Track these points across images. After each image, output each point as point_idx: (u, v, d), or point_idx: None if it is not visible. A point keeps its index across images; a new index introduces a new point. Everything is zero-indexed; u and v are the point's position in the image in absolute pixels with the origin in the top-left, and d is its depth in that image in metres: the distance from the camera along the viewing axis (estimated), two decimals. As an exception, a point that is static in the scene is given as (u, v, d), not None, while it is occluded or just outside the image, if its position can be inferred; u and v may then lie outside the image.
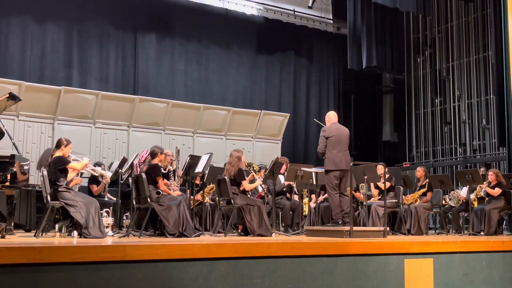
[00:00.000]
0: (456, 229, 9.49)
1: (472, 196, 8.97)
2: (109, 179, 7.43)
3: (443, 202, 9.54)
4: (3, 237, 5.65)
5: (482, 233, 8.36)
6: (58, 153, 6.39)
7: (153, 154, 7.03)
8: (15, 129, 10.37)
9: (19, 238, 5.93)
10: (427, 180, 8.89)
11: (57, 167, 6.27)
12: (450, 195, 9.82)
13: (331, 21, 15.97)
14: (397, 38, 15.45)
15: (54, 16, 12.03)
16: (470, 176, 8.51)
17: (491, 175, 8.67)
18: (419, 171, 9.13)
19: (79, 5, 12.29)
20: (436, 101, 15.26)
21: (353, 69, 14.68)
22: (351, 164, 7.00)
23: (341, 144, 7.06)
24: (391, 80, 16.60)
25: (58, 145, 6.45)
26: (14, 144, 6.88)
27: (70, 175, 6.65)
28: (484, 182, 8.64)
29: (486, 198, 8.83)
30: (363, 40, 14.27)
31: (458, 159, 14.51)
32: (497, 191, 8.55)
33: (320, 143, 7.17)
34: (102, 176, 7.09)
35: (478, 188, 8.89)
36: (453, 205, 9.57)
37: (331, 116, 7.41)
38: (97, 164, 8.36)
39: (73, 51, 12.28)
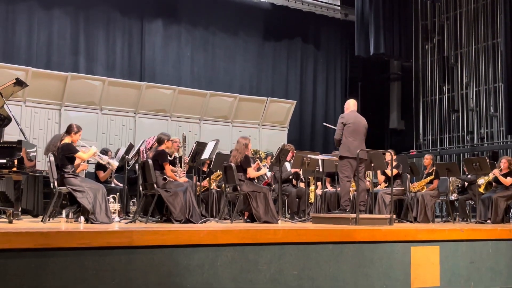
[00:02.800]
0: (462, 217, 9.47)
1: (482, 181, 8.88)
2: (116, 167, 7.44)
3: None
4: (10, 222, 5.69)
5: (489, 221, 8.33)
6: (67, 139, 6.38)
7: (160, 141, 7.03)
8: (22, 115, 10.40)
9: (26, 223, 5.97)
10: (434, 168, 8.85)
11: (65, 154, 6.27)
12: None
13: (339, 8, 15.85)
14: (405, 25, 15.32)
15: (61, 2, 12.01)
16: (477, 164, 8.45)
17: (504, 162, 8.53)
18: (427, 159, 9.09)
19: (85, -9, 12.27)
20: (444, 88, 15.16)
21: (360, 56, 14.59)
22: (365, 153, 6.93)
23: (358, 132, 7.03)
24: (399, 67, 16.50)
25: (69, 131, 6.42)
26: (21, 129, 6.91)
27: (77, 161, 6.66)
28: (496, 169, 8.56)
29: (494, 184, 8.76)
30: (370, 27, 14.16)
31: (466, 147, 14.45)
32: (509, 180, 8.45)
33: (337, 130, 7.13)
34: (109, 163, 7.10)
35: (491, 174, 8.78)
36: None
37: (351, 104, 7.37)
38: (104, 151, 8.37)
39: (79, 38, 12.26)
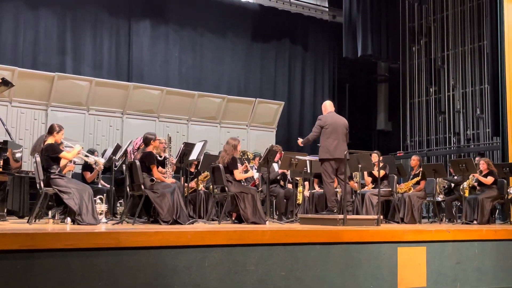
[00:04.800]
0: (449, 218, 9.53)
1: (465, 185, 9.00)
2: (102, 166, 7.39)
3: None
4: (-4, 223, 5.63)
5: (475, 222, 8.40)
6: (50, 140, 6.33)
7: (146, 141, 7.00)
8: (8, 116, 10.31)
9: (12, 225, 5.91)
10: (421, 169, 8.90)
11: (49, 155, 6.22)
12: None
13: (327, 9, 15.90)
14: (393, 27, 15.40)
15: (48, 2, 11.90)
16: (464, 165, 8.52)
17: (482, 164, 8.71)
18: (414, 160, 9.15)
19: (72, -9, 12.18)
20: (431, 90, 15.26)
21: (348, 57, 14.65)
22: (345, 152, 6.96)
23: (336, 133, 7.04)
24: (386, 69, 16.57)
25: (50, 131, 6.38)
26: (7, 130, 6.84)
27: (63, 162, 6.61)
28: (477, 171, 8.68)
29: (478, 188, 8.85)
30: (358, 28, 14.22)
31: (452, 148, 14.55)
32: (489, 179, 8.58)
33: (313, 131, 7.17)
34: (95, 162, 7.05)
35: (470, 177, 8.92)
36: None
37: (327, 105, 7.41)
38: (90, 151, 8.31)
39: (66, 38, 12.17)
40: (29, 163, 9.55)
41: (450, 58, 14.80)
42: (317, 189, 9.34)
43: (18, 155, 6.34)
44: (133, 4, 12.94)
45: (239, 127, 13.06)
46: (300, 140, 7.54)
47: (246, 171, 7.54)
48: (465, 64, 14.44)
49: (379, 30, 14.56)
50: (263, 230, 5.11)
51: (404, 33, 15.81)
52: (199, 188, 8.34)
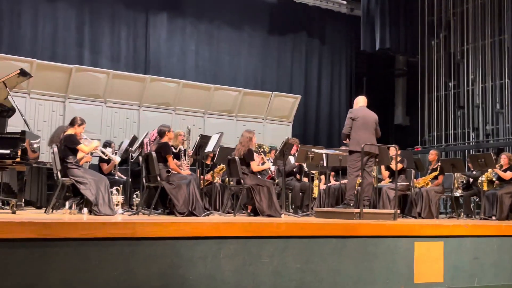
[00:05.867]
0: (467, 213, 9.42)
1: (483, 178, 8.86)
2: (118, 162, 7.45)
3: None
4: (14, 212, 5.69)
5: (493, 217, 8.29)
6: (70, 131, 6.38)
7: (161, 133, 7.02)
8: (26, 107, 10.40)
9: (29, 214, 5.96)
10: (439, 164, 8.80)
11: (67, 145, 6.27)
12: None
13: (345, 2, 15.77)
14: (411, 20, 15.24)
15: (66, -5, 12.00)
16: (482, 160, 8.39)
17: (503, 159, 8.56)
18: (432, 154, 9.05)
19: (90, -16, 12.25)
20: (450, 84, 15.08)
21: (365, 51, 14.55)
22: (362, 146, 6.90)
23: (367, 127, 7.04)
24: (404, 63, 16.41)
25: (72, 123, 6.44)
26: (25, 121, 6.89)
27: (80, 155, 6.65)
28: (497, 165, 8.54)
29: (497, 182, 8.72)
30: (376, 21, 14.10)
31: (471, 143, 14.37)
32: (509, 174, 8.44)
33: (346, 124, 7.14)
34: (110, 159, 7.09)
35: (489, 170, 8.77)
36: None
37: (360, 100, 7.39)
38: (107, 143, 8.36)
39: (84, 30, 12.25)
40: (47, 155, 9.63)
41: (470, 52, 14.60)
42: (332, 182, 9.28)
43: (36, 145, 6.38)
44: (150, -3, 12.97)
45: (255, 121, 13.04)
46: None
47: (263, 163, 7.52)
48: (485, 58, 14.23)
49: (398, 24, 14.43)
50: (279, 222, 5.09)
51: (423, 26, 15.62)
52: (215, 181, 8.34)
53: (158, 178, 6.62)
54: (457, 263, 5.70)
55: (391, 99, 16.51)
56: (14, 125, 8.16)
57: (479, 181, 8.87)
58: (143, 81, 11.73)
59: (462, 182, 9.73)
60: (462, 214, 9.49)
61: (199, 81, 12.72)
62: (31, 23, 11.64)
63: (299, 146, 8.37)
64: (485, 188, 8.84)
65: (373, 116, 7.20)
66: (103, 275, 4.05)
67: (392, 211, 6.74)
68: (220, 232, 4.55)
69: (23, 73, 6.79)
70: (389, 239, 5.38)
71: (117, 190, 6.93)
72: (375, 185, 8.43)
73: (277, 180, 8.43)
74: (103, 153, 7.09)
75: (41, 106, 10.78)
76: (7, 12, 11.38)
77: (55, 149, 6.35)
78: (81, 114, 8.39)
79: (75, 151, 6.35)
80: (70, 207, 6.42)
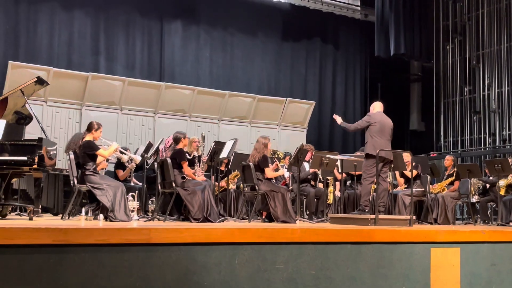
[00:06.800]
0: (484, 219, 9.32)
1: (502, 183, 8.75)
2: (135, 164, 7.49)
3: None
4: (30, 219, 5.75)
5: (511, 223, 8.18)
6: (88, 137, 6.43)
7: (176, 140, 7.06)
8: (43, 115, 10.54)
9: (46, 221, 6.02)
10: (455, 169, 8.73)
11: (86, 152, 6.32)
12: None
13: (359, 8, 15.75)
14: (426, 25, 15.17)
15: (82, 3, 12.12)
16: (499, 165, 8.30)
17: None
18: (448, 160, 8.98)
19: (106, -8, 12.37)
20: (465, 89, 14.97)
21: (380, 56, 14.49)
22: (377, 151, 6.88)
23: (384, 133, 7.04)
24: (419, 68, 16.32)
25: (89, 128, 6.49)
26: (42, 128, 6.97)
27: (99, 159, 6.71)
28: None
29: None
30: (391, 27, 14.06)
31: (487, 149, 14.24)
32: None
33: (360, 122, 7.18)
34: (131, 159, 7.14)
35: (509, 177, 8.65)
36: None
37: (377, 106, 7.40)
38: (123, 149, 8.41)
39: (100, 38, 12.37)
40: (63, 161, 9.74)
41: (486, 57, 14.49)
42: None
43: (52, 152, 6.45)
44: (165, 4, 13.06)
45: (269, 127, 13.05)
46: (339, 119, 7.49)
47: (277, 170, 7.53)
48: (500, 63, 14.12)
49: (412, 29, 14.37)
50: (293, 228, 5.07)
51: (438, 31, 15.55)
52: (229, 187, 8.34)
53: (173, 184, 6.66)
54: (474, 269, 5.64)
55: (406, 104, 16.42)
56: (31, 132, 8.26)
57: (497, 185, 8.76)
58: (158, 88, 11.81)
59: (479, 187, 9.64)
60: (478, 220, 9.39)
61: (214, 88, 12.78)
62: (47, 32, 11.79)
63: (313, 152, 8.35)
64: (502, 192, 8.73)
65: (390, 122, 7.21)
66: (119, 281, 4.06)
67: (408, 217, 6.69)
68: (235, 238, 4.55)
69: (40, 81, 6.88)
70: (405, 245, 5.34)
71: (133, 196, 6.98)
72: (390, 191, 8.38)
73: (291, 187, 8.42)
74: (123, 153, 7.13)
75: (58, 114, 10.90)
76: (24, 20, 11.54)
77: (72, 155, 6.41)
78: (97, 121, 8.48)
79: (94, 157, 6.41)
80: (86, 213, 6.48)
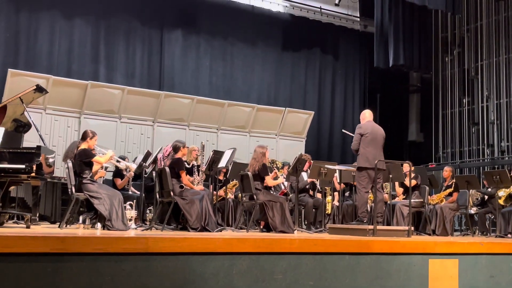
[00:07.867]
0: (482, 231, 9.31)
1: (502, 193, 8.74)
2: (133, 173, 7.48)
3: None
4: (28, 227, 5.73)
5: (509, 235, 8.17)
6: (83, 146, 6.45)
7: (175, 149, 7.05)
8: (42, 123, 10.53)
9: (43, 229, 6.00)
10: (454, 180, 8.73)
11: (82, 160, 6.33)
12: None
13: (358, 19, 15.81)
14: (425, 36, 15.23)
15: (82, 12, 12.14)
16: (497, 177, 8.31)
17: None
18: (446, 171, 8.98)
19: (106, 1, 12.39)
20: (464, 101, 14.99)
21: (379, 67, 14.52)
22: (376, 162, 6.87)
23: (376, 142, 6.98)
24: (418, 79, 16.37)
25: (84, 137, 6.51)
26: (40, 136, 6.96)
27: (95, 168, 6.71)
28: None
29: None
30: (390, 38, 14.10)
31: (486, 160, 14.25)
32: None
33: (354, 140, 7.10)
34: (127, 168, 7.13)
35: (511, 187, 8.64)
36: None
37: (367, 114, 7.32)
38: (121, 158, 8.41)
39: (100, 47, 12.38)
40: (62, 170, 9.71)
41: (484, 69, 14.53)
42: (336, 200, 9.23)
43: (51, 160, 6.45)
44: (165, 14, 13.10)
45: (268, 136, 13.06)
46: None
47: (276, 178, 7.52)
48: (499, 74, 14.16)
49: (411, 40, 14.42)
50: (291, 238, 5.06)
51: (437, 43, 15.61)
52: (228, 196, 8.34)
53: (171, 194, 6.65)
54: (472, 281, 5.62)
55: (405, 115, 16.45)
56: (30, 140, 8.26)
57: (496, 195, 8.75)
58: (157, 97, 11.82)
59: (477, 199, 9.63)
60: (477, 231, 9.38)
61: (213, 97, 12.79)
62: (47, 40, 11.80)
63: (312, 162, 8.35)
64: (501, 202, 8.72)
65: (381, 131, 7.16)
66: (116, 290, 4.05)
67: (406, 228, 6.69)
68: (233, 248, 4.54)
69: (39, 89, 6.88)
70: (403, 256, 5.33)
71: (131, 205, 6.96)
72: (388, 202, 8.38)
73: (290, 196, 8.42)
74: (119, 162, 7.13)
75: (57, 122, 10.90)
76: (25, 28, 11.56)
77: (70, 164, 6.40)
78: (96, 129, 8.46)
79: (90, 165, 6.41)
80: (84, 222, 6.46)
